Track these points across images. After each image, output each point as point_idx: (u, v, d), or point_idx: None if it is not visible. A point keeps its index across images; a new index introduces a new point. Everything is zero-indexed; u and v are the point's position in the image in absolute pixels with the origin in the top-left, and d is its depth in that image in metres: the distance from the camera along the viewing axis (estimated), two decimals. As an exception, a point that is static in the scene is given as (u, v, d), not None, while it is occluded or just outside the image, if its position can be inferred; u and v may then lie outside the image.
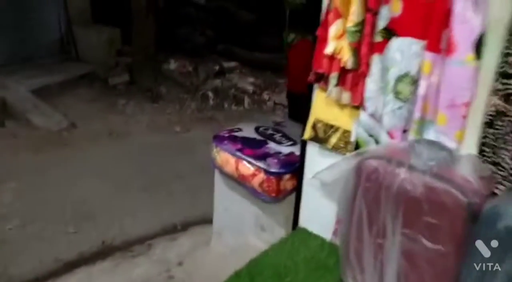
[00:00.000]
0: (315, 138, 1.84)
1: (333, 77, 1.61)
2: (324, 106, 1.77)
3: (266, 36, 7.02)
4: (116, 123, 5.03)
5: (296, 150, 2.13)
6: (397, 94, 1.53)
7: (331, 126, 1.78)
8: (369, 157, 1.43)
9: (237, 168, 2.09)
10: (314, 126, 1.83)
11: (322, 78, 1.70)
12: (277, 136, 2.25)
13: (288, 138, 2.25)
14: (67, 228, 2.98)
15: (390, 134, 1.61)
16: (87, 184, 3.65)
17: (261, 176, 2.00)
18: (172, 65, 6.30)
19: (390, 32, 1.49)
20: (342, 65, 1.57)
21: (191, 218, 3.22)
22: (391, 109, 1.56)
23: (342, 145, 1.77)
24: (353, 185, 1.45)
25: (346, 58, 1.54)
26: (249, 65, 6.82)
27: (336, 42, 1.56)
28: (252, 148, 2.12)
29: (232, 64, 6.72)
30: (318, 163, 1.85)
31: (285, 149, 2.13)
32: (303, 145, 1.93)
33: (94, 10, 6.24)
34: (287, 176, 2.00)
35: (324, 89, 1.73)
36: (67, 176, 3.77)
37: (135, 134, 4.87)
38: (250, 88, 6.16)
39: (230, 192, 2.33)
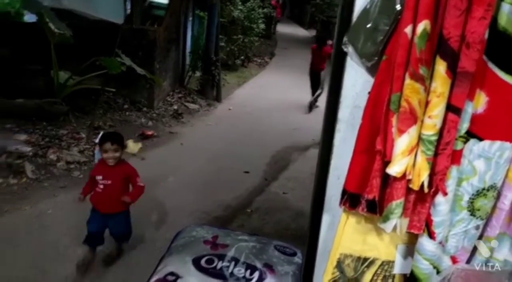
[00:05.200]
0: (340, 280, 1.27)
1: (398, 205, 1.09)
2: (354, 236, 1.23)
3: (28, 77, 5.48)
4: None
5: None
6: (473, 211, 1.16)
7: (365, 259, 1.26)
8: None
9: None
10: (339, 265, 1.25)
11: (359, 203, 1.16)
12: (233, 267, 1.52)
13: (248, 266, 1.56)
14: None
15: (454, 259, 1.23)
16: None
17: None
18: None
19: (470, 135, 1.09)
20: (412, 187, 1.07)
21: None
22: (463, 229, 1.18)
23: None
24: None
25: (422, 178, 1.05)
26: (11, 117, 5.16)
27: (407, 158, 1.04)
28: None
29: (-14, 118, 4.93)
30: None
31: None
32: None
33: None
34: None
35: (358, 215, 1.19)
36: None
37: None
38: (28, 149, 4.64)
39: None
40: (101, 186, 2.76)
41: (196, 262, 1.53)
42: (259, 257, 1.62)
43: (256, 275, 1.51)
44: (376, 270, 1.27)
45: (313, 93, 7.94)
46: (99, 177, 2.75)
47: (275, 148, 5.93)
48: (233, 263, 1.56)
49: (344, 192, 1.17)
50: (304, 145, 6.00)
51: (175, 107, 7.14)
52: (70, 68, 5.61)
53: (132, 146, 5.36)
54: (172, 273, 1.46)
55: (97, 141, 2.72)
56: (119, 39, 5.06)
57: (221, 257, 1.59)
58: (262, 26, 12.24)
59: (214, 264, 1.54)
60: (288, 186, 4.72)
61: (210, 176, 4.89)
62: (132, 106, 6.50)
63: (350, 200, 1.16)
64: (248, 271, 1.53)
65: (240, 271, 1.52)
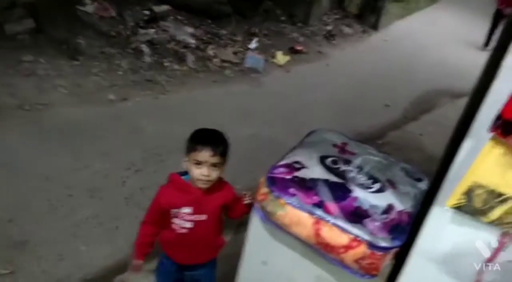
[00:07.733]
0: (465, 208, 1.24)
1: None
2: (494, 168, 1.16)
3: (202, -26, 5.88)
4: (26, 91, 3.76)
5: (392, 200, 1.51)
6: None
7: (500, 194, 1.19)
8: None
9: (317, 234, 1.41)
10: (468, 193, 1.22)
11: (513, 130, 1.07)
12: (355, 173, 1.59)
13: (370, 176, 1.60)
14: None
15: None
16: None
17: (362, 250, 1.36)
18: (89, 7, 4.91)
19: None
20: None
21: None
22: None
23: (508, 221, 1.21)
24: None
25: None
26: (184, 10, 5.69)
27: None
28: (335, 200, 1.44)
29: (164, 8, 5.51)
30: (446, 233, 1.30)
31: (377, 199, 1.49)
32: (425, 206, 1.33)
33: None
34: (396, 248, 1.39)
35: (505, 146, 1.11)
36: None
37: (55, 105, 3.69)
38: (192, 41, 5.15)
39: (274, 242, 1.66)
40: (188, 225, 1.58)
41: (322, 159, 1.61)
42: (383, 172, 1.64)
43: (376, 186, 1.55)
44: (508, 210, 1.20)
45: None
46: (186, 210, 1.56)
47: (424, 88, 5.54)
48: (357, 170, 1.61)
49: (499, 118, 1.09)
50: (458, 91, 5.46)
51: (329, 28, 7.01)
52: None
53: (280, 57, 5.53)
54: (298, 162, 1.59)
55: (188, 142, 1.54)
56: None
57: (347, 162, 1.65)
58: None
59: (338, 166, 1.61)
60: (427, 129, 4.46)
61: (349, 101, 4.86)
62: (288, 20, 6.59)
63: (504, 127, 1.09)
64: (370, 181, 1.57)
65: (361, 178, 1.57)
